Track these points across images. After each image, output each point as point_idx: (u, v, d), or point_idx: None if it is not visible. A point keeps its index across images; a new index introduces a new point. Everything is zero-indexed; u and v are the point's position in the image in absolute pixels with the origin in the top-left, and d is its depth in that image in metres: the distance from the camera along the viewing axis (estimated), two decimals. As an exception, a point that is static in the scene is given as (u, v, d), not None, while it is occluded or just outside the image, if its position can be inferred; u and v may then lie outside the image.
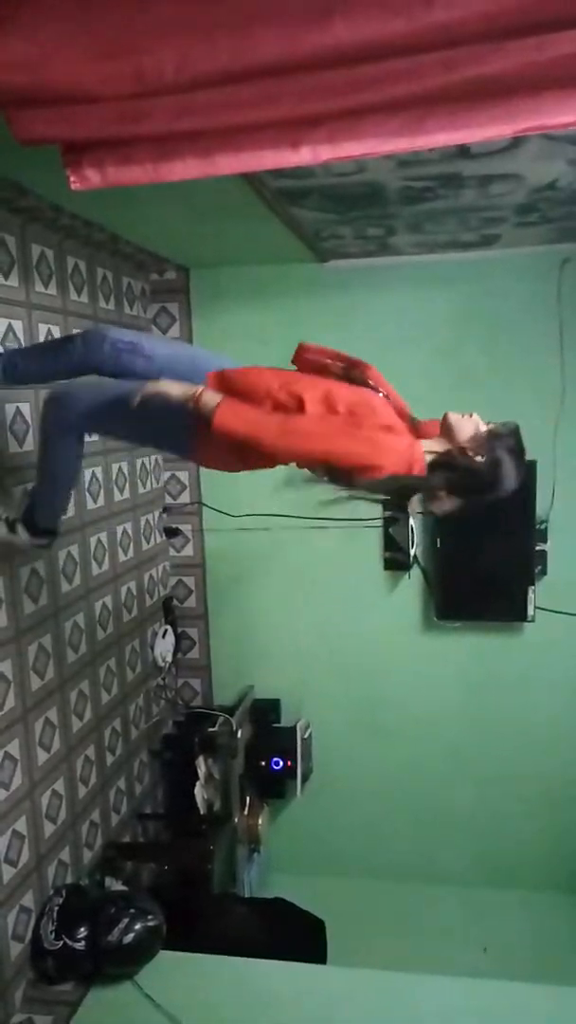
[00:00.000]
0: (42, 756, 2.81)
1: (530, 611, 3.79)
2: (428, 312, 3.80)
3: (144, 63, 1.30)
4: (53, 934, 2.64)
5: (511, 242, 3.54)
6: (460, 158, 2.28)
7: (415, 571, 3.97)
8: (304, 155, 1.49)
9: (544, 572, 3.83)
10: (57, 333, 2.95)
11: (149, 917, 2.72)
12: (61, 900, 2.75)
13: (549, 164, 2.40)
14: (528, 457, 3.71)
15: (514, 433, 2.09)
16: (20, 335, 2.71)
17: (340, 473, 1.99)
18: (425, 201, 2.75)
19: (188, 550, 4.17)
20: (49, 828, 2.84)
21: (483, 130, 1.39)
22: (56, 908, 2.70)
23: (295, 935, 3.30)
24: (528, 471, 3.65)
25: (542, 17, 1.16)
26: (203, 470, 4.09)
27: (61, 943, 2.62)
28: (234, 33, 1.26)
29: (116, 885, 3.18)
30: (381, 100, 1.32)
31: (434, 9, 1.16)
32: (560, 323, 3.67)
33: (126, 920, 2.67)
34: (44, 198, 2.62)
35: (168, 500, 4.14)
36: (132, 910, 2.71)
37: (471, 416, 2.10)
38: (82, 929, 2.64)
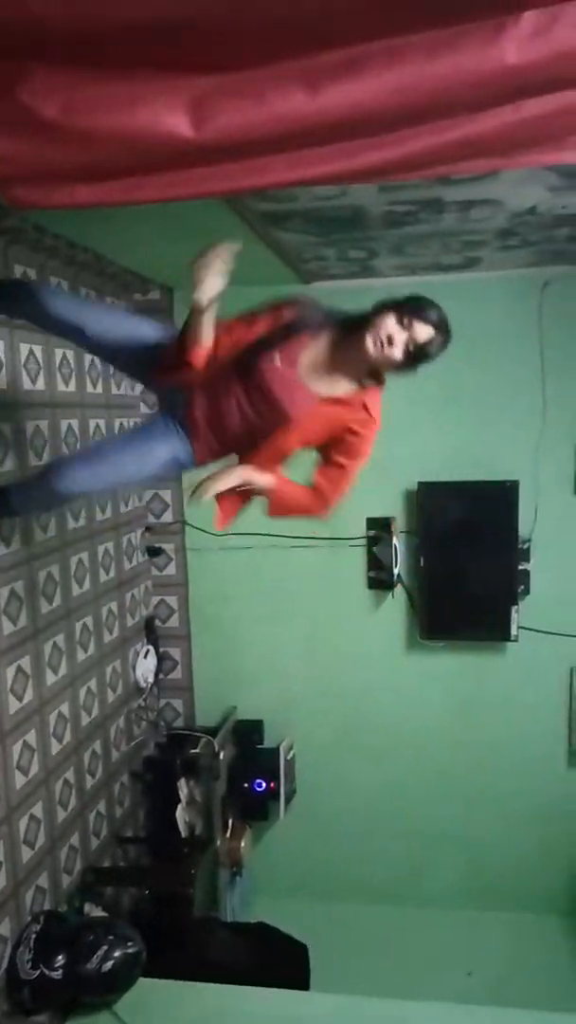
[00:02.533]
0: (20, 780, 2.76)
1: (513, 631, 3.80)
2: (411, 333, 3.82)
3: (138, 139, 1.32)
4: (30, 963, 2.59)
5: (492, 265, 3.58)
6: (441, 184, 2.31)
7: (399, 590, 3.97)
8: (280, 176, 1.52)
9: (527, 592, 3.84)
10: (39, 352, 2.94)
11: (128, 944, 2.68)
12: (38, 927, 2.69)
13: (528, 190, 2.44)
14: (511, 477, 3.80)
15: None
16: (1, 354, 2.70)
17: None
18: (407, 225, 2.78)
19: (170, 569, 4.15)
20: (27, 853, 2.80)
21: (459, 168, 1.44)
22: (33, 936, 2.65)
23: (278, 960, 3.26)
24: (513, 491, 3.72)
25: (522, 83, 1.19)
26: (186, 488, 4.08)
27: (38, 972, 2.57)
28: (219, 110, 1.27)
29: (95, 911, 3.13)
30: (373, 163, 1.36)
31: (419, 83, 1.19)
32: (541, 345, 3.71)
33: (105, 947, 2.62)
34: (27, 219, 2.62)
35: (151, 519, 4.12)
36: (111, 937, 2.66)
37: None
38: (60, 957, 2.59)
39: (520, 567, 3.81)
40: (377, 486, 3.93)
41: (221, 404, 2.09)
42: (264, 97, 1.25)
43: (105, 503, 3.56)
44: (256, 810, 3.98)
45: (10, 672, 2.72)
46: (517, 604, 3.79)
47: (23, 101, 1.29)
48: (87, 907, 3.11)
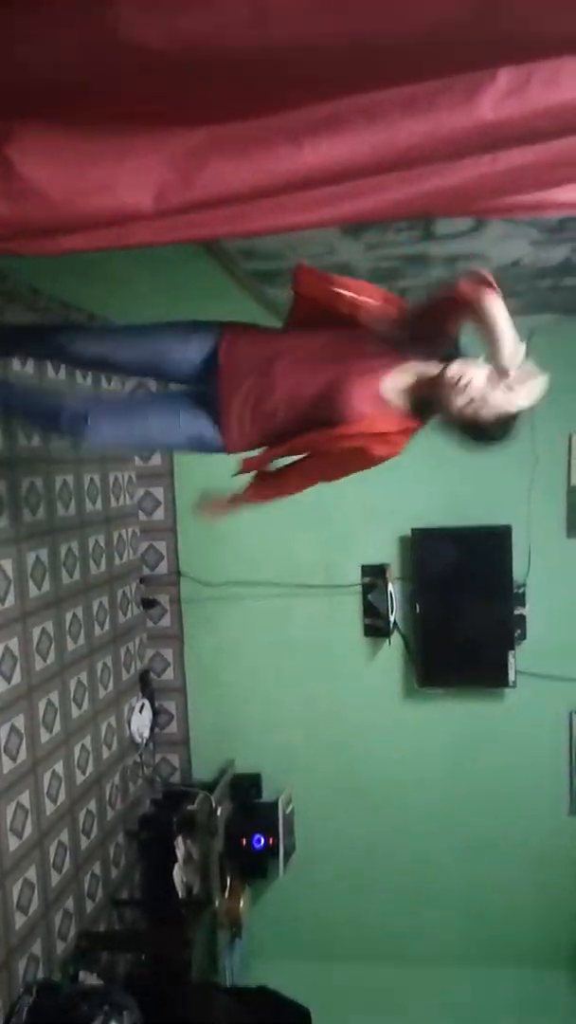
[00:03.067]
0: (13, 842, 2.70)
1: (511, 676, 3.78)
2: (400, 382, 3.87)
3: (124, 197, 1.34)
4: (23, 1038, 2.50)
5: (478, 315, 3.64)
6: (426, 240, 2.37)
7: (395, 637, 3.95)
8: (255, 225, 1.54)
9: (523, 636, 3.83)
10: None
11: (125, 1013, 2.59)
12: (31, 999, 2.60)
13: (512, 244, 2.50)
14: (504, 522, 3.81)
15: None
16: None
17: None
18: (394, 279, 2.83)
19: (165, 621, 4.12)
20: (20, 919, 2.72)
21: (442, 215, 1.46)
22: (26, 1009, 2.56)
23: (280, 1026, 3.15)
24: (506, 536, 3.73)
25: (496, 138, 1.23)
26: (182, 540, 4.08)
27: (31, 1047, 2.48)
28: (205, 165, 1.31)
29: (90, 978, 3.03)
30: (347, 213, 1.39)
31: (398, 138, 1.23)
32: (529, 392, 3.75)
33: (100, 1018, 2.53)
34: (22, 281, 2.67)
35: (145, 571, 4.11)
36: (106, 1007, 2.58)
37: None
38: (54, 1031, 2.51)
39: (516, 612, 3.80)
40: (371, 533, 3.95)
41: (282, 382, 1.95)
42: (248, 152, 1.29)
43: (99, 556, 3.55)
44: (255, 867, 3.89)
45: (3, 732, 2.68)
46: (514, 649, 3.77)
47: (9, 163, 1.32)
48: (82, 975, 3.01)
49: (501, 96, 1.18)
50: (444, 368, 1.86)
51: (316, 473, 2.11)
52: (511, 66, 1.17)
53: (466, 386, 1.83)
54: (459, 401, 1.86)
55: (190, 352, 2.08)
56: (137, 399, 2.20)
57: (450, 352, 1.93)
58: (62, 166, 1.33)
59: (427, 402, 1.95)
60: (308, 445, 1.99)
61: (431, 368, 1.91)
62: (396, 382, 1.94)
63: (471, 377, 1.84)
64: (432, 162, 1.32)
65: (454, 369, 1.84)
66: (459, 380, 1.84)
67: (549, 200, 1.50)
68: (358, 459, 2.02)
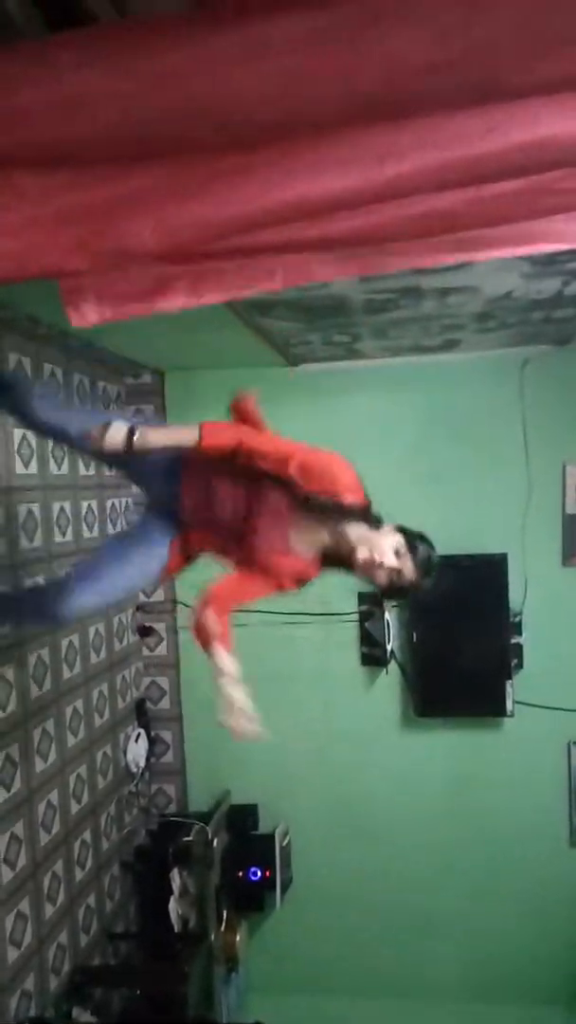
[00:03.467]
0: (7, 874, 2.67)
1: (509, 706, 3.76)
2: (397, 413, 3.92)
3: (124, 233, 1.38)
4: (14, 1076, 2.45)
5: (472, 346, 3.70)
6: (418, 273, 2.41)
7: (392, 666, 3.94)
8: (277, 282, 1.61)
9: (520, 665, 3.82)
10: (31, 437, 2.99)
11: (119, 1051, 2.54)
12: (24, 1036, 2.56)
13: (503, 277, 2.55)
14: (499, 551, 3.83)
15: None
16: (-5, 441, 2.75)
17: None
18: (387, 311, 2.89)
19: (162, 649, 4.11)
20: (13, 954, 2.68)
21: (432, 259, 1.51)
22: (18, 1045, 2.52)
23: (276, 1065, 3.10)
24: (502, 564, 3.74)
25: (482, 171, 1.27)
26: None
27: None
28: (205, 199, 1.35)
29: (84, 1015, 2.98)
30: (332, 236, 1.43)
31: (385, 167, 1.27)
32: (523, 421, 3.80)
33: (94, 1056, 2.49)
34: (20, 309, 2.71)
35: (142, 598, 4.11)
36: (100, 1044, 2.53)
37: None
38: (46, 1069, 2.46)
39: (513, 640, 3.79)
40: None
41: (215, 498, 2.12)
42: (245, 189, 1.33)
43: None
44: (252, 900, 3.84)
45: (-2, 760, 2.66)
46: (511, 678, 3.77)
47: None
48: (75, 1012, 2.96)
49: (484, 133, 1.23)
50: (355, 548, 2.02)
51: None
52: (493, 107, 1.22)
53: (381, 566, 2.00)
54: (380, 577, 2.03)
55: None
56: (100, 560, 2.33)
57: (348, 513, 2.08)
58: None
59: (338, 562, 2.10)
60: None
61: (340, 533, 2.06)
62: (305, 539, 2.10)
63: (381, 556, 1.99)
64: (418, 192, 1.36)
65: (364, 554, 2.00)
66: (373, 562, 2.00)
67: (537, 234, 1.55)
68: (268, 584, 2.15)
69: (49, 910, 2.95)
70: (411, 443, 3.91)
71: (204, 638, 2.02)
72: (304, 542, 2.10)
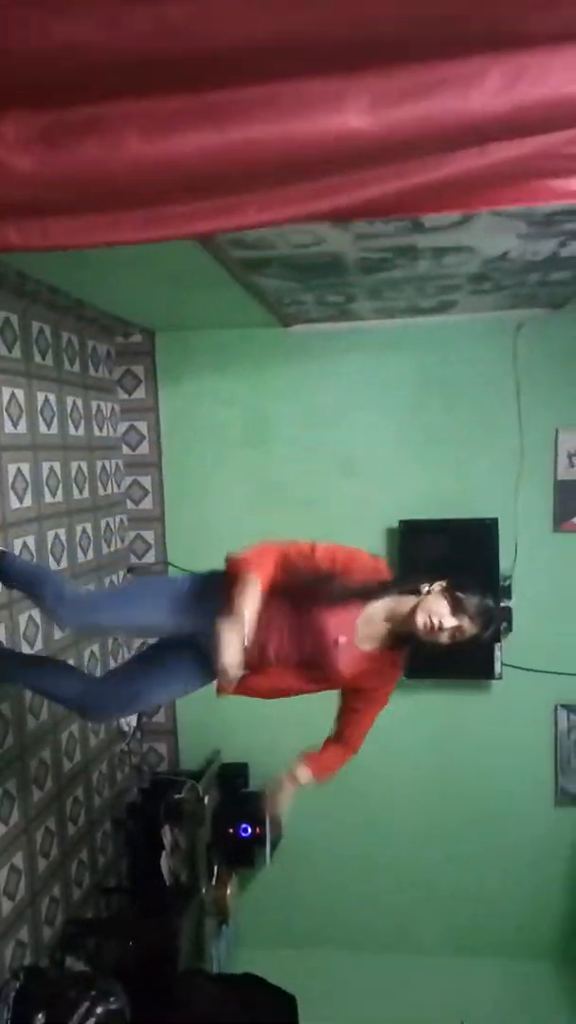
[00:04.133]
0: (0, 829, 2.71)
1: (497, 668, 3.80)
2: (390, 375, 3.89)
3: (91, 161, 1.34)
4: (8, 1023, 2.50)
5: (467, 308, 3.66)
6: (414, 231, 2.38)
7: (382, 629, 3.97)
8: (249, 216, 1.55)
9: (510, 629, 3.85)
10: (21, 397, 2.96)
11: (111, 1000, 2.60)
12: (18, 984, 2.61)
13: (499, 238, 2.51)
14: (491, 515, 3.84)
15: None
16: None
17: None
18: (383, 271, 2.85)
19: (154, 611, 4.12)
20: (7, 906, 2.73)
21: (431, 211, 1.48)
22: (12, 994, 2.57)
23: (266, 1012, 3.17)
24: (493, 529, 3.75)
25: (486, 131, 1.25)
26: (170, 529, 4.08)
27: (17, 1032, 2.49)
28: (181, 136, 1.31)
29: (77, 965, 3.04)
30: (338, 207, 1.40)
31: (391, 129, 1.24)
32: (517, 385, 3.78)
33: (87, 1004, 2.54)
34: (9, 264, 2.66)
35: (134, 560, 4.11)
36: (93, 992, 2.59)
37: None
38: (40, 1016, 2.51)
39: (502, 604, 3.82)
40: (358, 525, 3.95)
41: (270, 622, 2.13)
42: (226, 131, 1.30)
43: (87, 544, 3.55)
44: (242, 856, 3.90)
45: (-10, 718, 2.68)
46: (500, 641, 3.80)
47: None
48: (69, 961, 3.03)
49: (493, 90, 1.20)
50: (412, 618, 2.06)
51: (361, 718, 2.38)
52: (502, 60, 1.19)
53: (440, 629, 2.05)
54: (443, 639, 2.07)
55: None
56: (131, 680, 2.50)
57: (398, 585, 2.17)
58: (55, 148, 1.34)
59: (406, 638, 2.17)
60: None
61: (396, 607, 2.12)
62: (368, 633, 2.16)
63: (440, 619, 2.04)
64: (422, 154, 1.33)
65: (421, 621, 2.05)
66: (432, 627, 2.04)
67: (541, 191, 1.52)
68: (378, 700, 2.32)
69: (42, 864, 3.00)
70: (403, 406, 3.90)
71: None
72: (369, 639, 2.16)
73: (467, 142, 1.30)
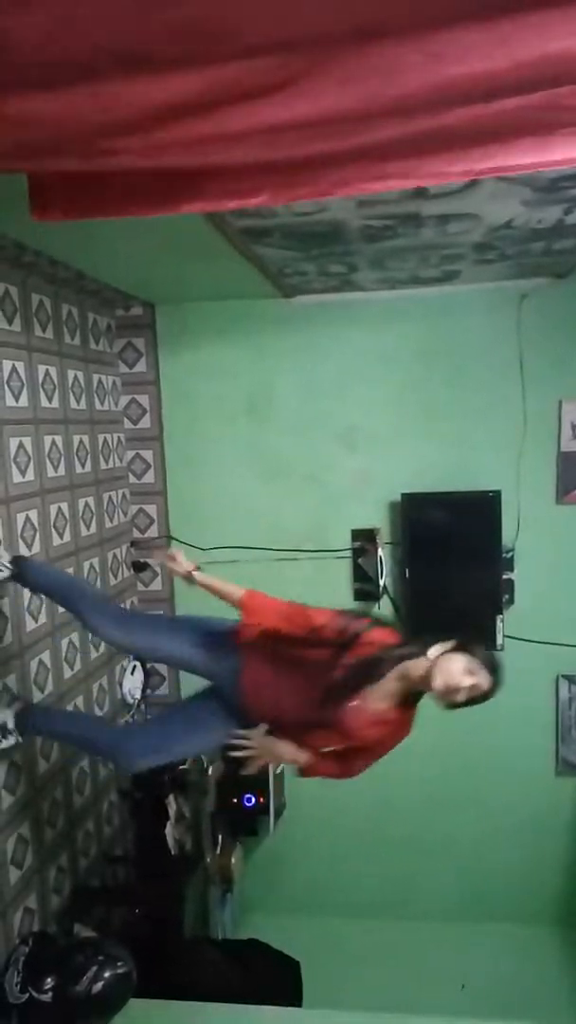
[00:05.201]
0: (7, 800, 2.74)
1: (499, 640, 3.82)
2: (392, 346, 3.86)
3: (103, 99, 1.32)
4: (18, 986, 2.55)
5: (471, 278, 3.62)
6: (418, 198, 2.34)
7: (385, 602, 3.98)
8: (264, 198, 1.54)
9: (512, 601, 3.87)
10: (21, 370, 2.94)
11: (119, 964, 2.64)
12: (27, 949, 2.66)
13: (504, 204, 2.48)
14: (493, 488, 3.83)
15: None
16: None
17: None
18: (385, 239, 2.81)
19: (156, 584, 4.14)
20: (15, 874, 2.77)
21: (437, 174, 1.45)
22: (22, 959, 2.62)
23: (270, 977, 3.24)
24: (496, 501, 3.75)
25: (489, 86, 1.22)
26: (172, 503, 4.08)
27: (27, 996, 2.53)
28: (199, 116, 1.29)
29: (85, 931, 3.09)
30: (338, 150, 1.37)
31: (392, 86, 1.22)
32: (520, 356, 3.75)
33: (95, 968, 2.58)
34: (7, 235, 2.63)
35: (136, 534, 4.11)
36: (101, 957, 2.62)
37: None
38: (49, 980, 2.55)
39: (504, 576, 3.83)
40: (361, 498, 3.96)
41: (281, 686, 2.28)
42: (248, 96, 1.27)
43: (89, 519, 3.55)
44: (246, 826, 3.95)
45: None
46: (502, 613, 3.81)
47: None
48: (76, 927, 3.07)
49: (493, 46, 1.17)
50: (429, 681, 2.14)
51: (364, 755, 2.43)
52: (502, 20, 1.16)
53: (457, 689, 2.12)
54: (460, 698, 2.15)
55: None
56: (166, 724, 2.67)
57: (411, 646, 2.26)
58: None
59: (418, 693, 2.26)
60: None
61: (409, 669, 2.20)
62: (381, 695, 2.25)
63: (457, 681, 2.12)
64: (424, 110, 1.30)
65: (439, 685, 2.12)
66: (450, 687, 2.12)
67: (544, 155, 1.49)
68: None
69: (49, 834, 3.03)
70: (406, 378, 3.87)
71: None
72: (382, 698, 2.24)
73: (473, 97, 1.27)
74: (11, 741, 2.61)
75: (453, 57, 1.19)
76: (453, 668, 2.13)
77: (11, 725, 2.60)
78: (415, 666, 2.19)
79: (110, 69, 1.26)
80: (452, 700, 2.15)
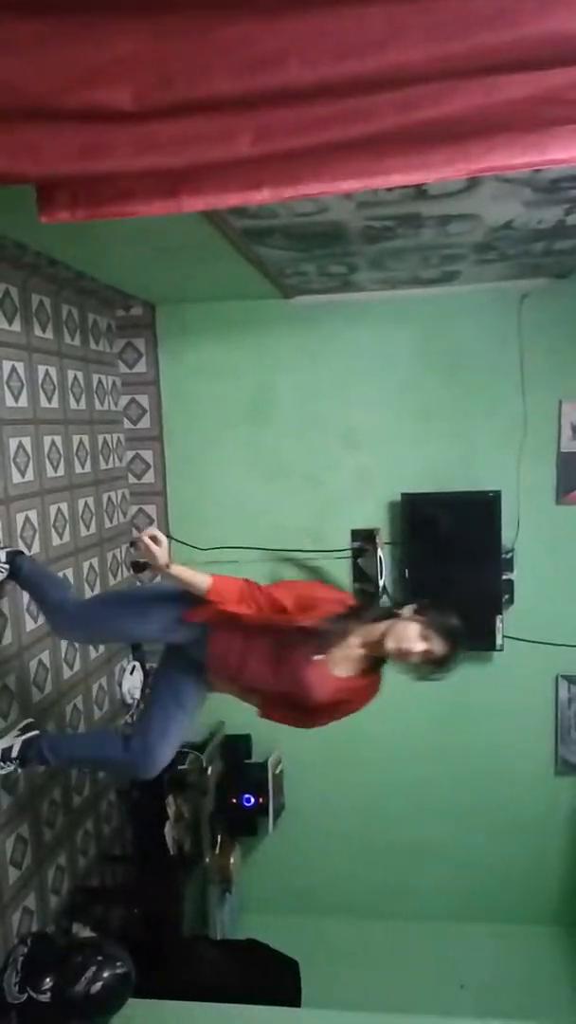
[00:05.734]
0: (6, 799, 2.74)
1: (499, 640, 3.82)
2: (392, 347, 3.86)
3: (99, 95, 1.32)
4: (17, 987, 2.55)
5: (471, 278, 3.62)
6: (418, 199, 2.34)
7: (384, 601, 3.98)
8: (265, 194, 1.53)
9: (511, 601, 3.87)
10: (21, 370, 2.94)
11: (118, 964, 2.64)
12: (26, 950, 2.65)
13: (505, 205, 2.47)
14: (493, 488, 3.84)
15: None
16: None
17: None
18: (386, 240, 2.81)
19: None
20: (13, 874, 2.77)
21: (438, 171, 1.44)
22: (20, 958, 2.61)
23: (269, 977, 3.24)
24: (496, 501, 3.75)
25: (490, 61, 1.22)
26: (171, 503, 4.08)
27: (25, 996, 2.53)
28: (189, 68, 1.28)
29: (84, 931, 3.08)
30: (338, 139, 1.36)
31: (386, 51, 1.21)
32: (521, 357, 3.75)
33: (93, 968, 2.58)
34: (8, 236, 2.63)
35: (135, 534, 4.11)
36: (100, 957, 2.62)
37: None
38: (47, 980, 2.55)
39: (504, 577, 3.83)
40: (361, 498, 3.96)
41: (247, 658, 2.33)
42: (230, 49, 1.26)
43: (89, 519, 3.55)
44: (245, 826, 3.96)
45: (-5, 691, 2.70)
46: (502, 613, 3.81)
47: None
48: (75, 927, 3.06)
49: (494, 16, 1.17)
50: (383, 641, 2.18)
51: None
52: None
53: (408, 652, 2.16)
54: (415, 662, 2.18)
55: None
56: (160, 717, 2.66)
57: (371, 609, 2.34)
58: (33, 55, 1.31)
59: (380, 660, 2.29)
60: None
61: (369, 633, 2.24)
62: (343, 659, 2.27)
63: (409, 644, 2.15)
64: (424, 84, 1.29)
65: (391, 647, 2.17)
66: (402, 650, 2.16)
67: (539, 155, 1.49)
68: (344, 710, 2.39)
69: (48, 834, 3.03)
70: (406, 378, 3.87)
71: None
72: (344, 665, 2.27)
73: (472, 71, 1.26)
74: (9, 768, 2.58)
75: (454, 28, 1.18)
76: (406, 633, 2.16)
77: (14, 753, 2.57)
78: (375, 629, 2.22)
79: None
80: (406, 664, 2.19)
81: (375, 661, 2.30)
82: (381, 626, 2.21)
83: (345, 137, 1.38)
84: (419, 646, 2.15)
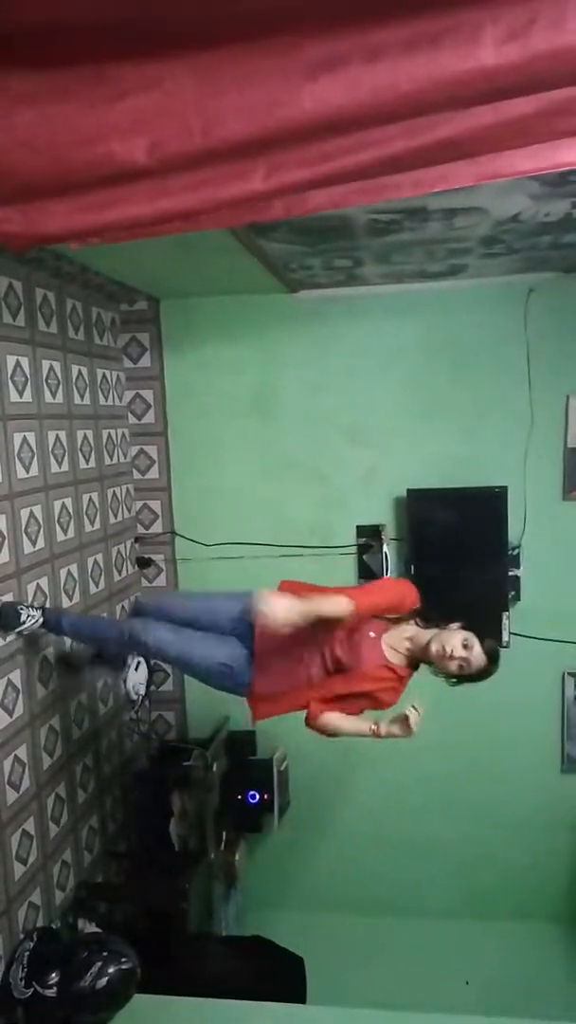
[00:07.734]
0: (11, 795, 2.74)
1: (505, 637, 3.80)
2: (398, 341, 3.84)
3: (115, 149, 1.31)
4: (23, 981, 2.55)
5: (478, 272, 3.60)
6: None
7: (389, 598, 3.97)
8: (277, 212, 1.56)
9: (518, 598, 3.85)
10: (25, 365, 2.93)
11: (123, 960, 2.64)
12: (31, 945, 2.66)
13: (511, 198, 2.46)
14: (499, 484, 3.82)
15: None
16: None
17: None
18: (392, 233, 2.79)
19: (160, 580, 4.13)
20: (19, 869, 2.77)
21: (447, 182, 1.45)
22: (26, 954, 2.62)
23: (274, 974, 3.23)
24: (502, 497, 3.73)
25: (498, 84, 1.20)
26: (176, 499, 4.07)
27: (31, 991, 2.53)
28: (203, 113, 1.27)
29: (89, 927, 3.09)
30: (350, 167, 1.37)
31: (398, 83, 1.20)
32: (527, 351, 3.73)
33: (99, 964, 2.58)
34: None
35: (140, 530, 4.11)
36: (105, 953, 2.63)
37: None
38: (53, 975, 2.55)
39: (510, 573, 3.81)
40: (367, 494, 3.94)
41: (298, 642, 2.48)
42: (244, 91, 1.25)
43: (94, 514, 3.54)
44: (250, 822, 3.95)
45: (0, 686, 2.69)
46: (508, 610, 3.80)
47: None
48: (81, 923, 3.07)
49: (503, 38, 1.15)
50: (429, 643, 2.44)
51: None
52: (514, 7, 1.14)
53: (451, 657, 2.40)
54: (451, 667, 2.42)
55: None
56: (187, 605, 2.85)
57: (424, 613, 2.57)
58: (44, 111, 1.29)
59: (420, 660, 2.53)
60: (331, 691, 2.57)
61: (418, 635, 2.51)
62: (393, 647, 2.53)
63: (452, 649, 2.39)
64: (434, 110, 1.29)
65: (435, 649, 2.41)
66: (444, 654, 2.40)
67: (548, 160, 1.48)
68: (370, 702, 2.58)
69: (53, 830, 3.03)
70: (413, 373, 3.85)
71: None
72: (390, 652, 2.52)
73: (479, 96, 1.25)
74: (35, 616, 2.74)
75: (461, 55, 1.17)
76: (452, 639, 2.41)
77: (35, 612, 2.77)
78: (423, 633, 2.49)
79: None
80: (444, 668, 2.42)
81: (413, 662, 2.53)
82: (430, 632, 2.47)
83: (356, 164, 1.39)
84: (460, 652, 2.39)
